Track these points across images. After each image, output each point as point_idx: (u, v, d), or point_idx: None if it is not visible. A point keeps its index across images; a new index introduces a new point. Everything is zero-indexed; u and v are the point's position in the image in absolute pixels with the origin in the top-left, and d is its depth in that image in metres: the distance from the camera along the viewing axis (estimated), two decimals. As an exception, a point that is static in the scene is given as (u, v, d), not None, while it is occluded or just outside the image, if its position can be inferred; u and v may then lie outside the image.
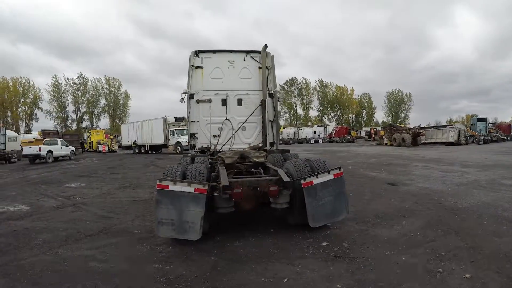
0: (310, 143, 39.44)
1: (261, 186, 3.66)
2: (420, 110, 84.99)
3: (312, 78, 75.06)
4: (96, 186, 8.59)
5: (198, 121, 6.94)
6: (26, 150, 18.56)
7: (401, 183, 6.83)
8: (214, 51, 7.05)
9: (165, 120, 24.85)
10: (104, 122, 57.84)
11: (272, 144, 6.97)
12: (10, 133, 27.99)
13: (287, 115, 67.99)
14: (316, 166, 3.97)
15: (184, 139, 21.29)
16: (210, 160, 5.37)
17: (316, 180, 3.59)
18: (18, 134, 39.13)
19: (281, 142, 41.88)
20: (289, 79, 68.09)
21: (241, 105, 6.97)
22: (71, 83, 55.81)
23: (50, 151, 18.61)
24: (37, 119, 55.80)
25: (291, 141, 39.74)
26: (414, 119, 66.84)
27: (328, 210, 3.68)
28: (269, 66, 6.91)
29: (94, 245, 3.75)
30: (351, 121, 69.58)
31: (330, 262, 2.90)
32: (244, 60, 6.97)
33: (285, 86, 66.99)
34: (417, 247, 3.23)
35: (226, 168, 4.70)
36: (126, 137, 29.85)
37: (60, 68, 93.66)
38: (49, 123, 53.98)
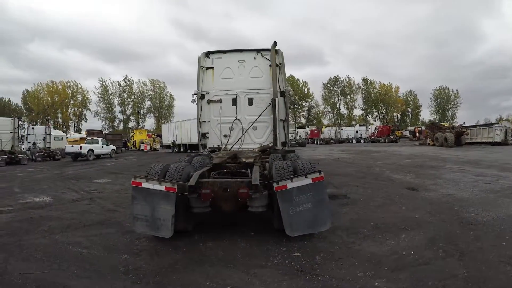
0: (352, 142, 40.40)
1: (231, 187, 3.77)
2: (468, 107, 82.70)
3: (355, 76, 75.96)
4: (119, 182, 9.71)
5: (209, 121, 7.48)
6: (69, 148, 21.64)
7: (423, 188, 6.70)
8: (225, 51, 7.51)
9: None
10: (150, 122, 64.82)
11: (284, 144, 7.15)
12: (57, 132, 33.15)
13: (331, 114, 71.66)
14: (300, 169, 3.93)
15: None
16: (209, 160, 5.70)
17: (290, 184, 3.52)
18: (68, 133, 45.49)
19: (321, 141, 42.16)
20: (331, 77, 70.67)
21: (251, 104, 7.30)
22: (118, 85, 62.85)
23: (91, 150, 21.70)
24: (86, 120, 65.38)
25: (332, 141, 40.86)
26: (462, 117, 65.33)
27: (307, 219, 3.57)
28: (279, 64, 7.12)
29: (87, 234, 4.39)
30: (396, 120, 71.28)
31: (288, 277, 2.86)
32: (255, 59, 7.29)
33: (328, 85, 70.30)
34: (401, 271, 2.94)
35: (215, 168, 5.00)
36: (166, 137, 32.77)
37: (107, 72, 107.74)
38: (97, 123, 62.52)
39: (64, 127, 61.54)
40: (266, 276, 2.90)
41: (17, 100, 65.96)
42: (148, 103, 64.48)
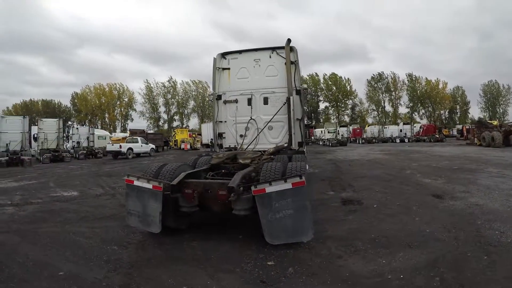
0: (395, 142, 40.64)
1: (213, 189, 4.00)
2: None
3: (400, 72, 75.94)
4: (146, 180, 10.64)
5: (225, 121, 7.97)
6: (109, 147, 24.15)
7: (450, 196, 6.19)
8: (240, 52, 7.92)
9: None
10: (194, 122, 69.91)
11: (300, 144, 7.31)
12: (101, 132, 37.03)
13: (375, 112, 72.25)
14: (288, 172, 4.01)
15: None
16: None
17: (269, 188, 3.53)
18: (115, 132, 50.19)
19: (363, 141, 42.42)
20: (375, 74, 71.48)
21: (267, 104, 7.62)
22: (162, 86, 67.75)
23: (130, 148, 24.15)
24: (132, 119, 72.27)
25: (374, 140, 41.26)
26: (516, 114, 60.33)
27: (288, 226, 3.55)
28: (295, 62, 7.31)
29: (93, 226, 5.10)
30: (443, 117, 71.17)
31: (248, 286, 2.95)
32: (270, 57, 7.58)
33: (372, 82, 70.91)
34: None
35: (213, 168, 5.37)
36: (206, 136, 34.47)
37: (153, 73, 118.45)
38: (143, 123, 68.54)
39: (111, 127, 69.08)
40: (226, 281, 3.03)
41: (66, 102, 75.92)
42: (192, 103, 68.55)
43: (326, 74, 71.89)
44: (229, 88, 7.83)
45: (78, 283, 3.06)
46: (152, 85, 68.51)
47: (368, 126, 51.16)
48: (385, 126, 48.25)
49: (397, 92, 70.19)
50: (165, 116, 69.78)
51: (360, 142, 41.24)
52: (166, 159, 21.24)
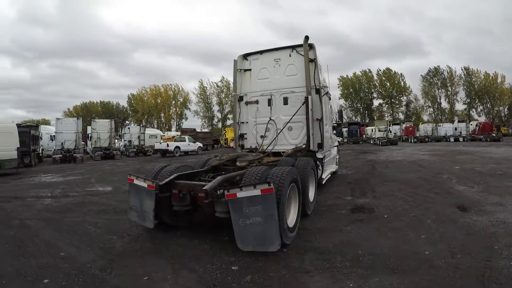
0: (449, 141, 40.72)
1: (195, 190, 4.42)
2: None
3: (457, 65, 77.95)
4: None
5: (247, 122, 8.57)
6: (157, 145, 26.81)
7: (478, 209, 5.74)
8: (261, 52, 8.34)
9: None
10: None
11: (320, 145, 7.52)
12: (154, 131, 40.80)
13: (431, 109, 72.88)
14: (269, 177, 4.25)
15: None
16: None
17: (240, 193, 3.73)
18: (167, 132, 54.47)
19: (415, 140, 42.32)
20: (431, 68, 71.90)
21: (287, 104, 7.92)
22: (215, 86, 71.83)
23: (177, 147, 26.83)
24: (186, 118, 79.51)
25: (427, 139, 41.42)
26: None
27: (257, 234, 3.72)
28: (314, 59, 7.49)
29: (108, 218, 6.07)
30: (502, 114, 70.47)
31: (198, 286, 3.28)
32: (290, 56, 7.86)
33: (428, 77, 71.77)
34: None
35: (214, 170, 5.91)
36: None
37: (208, 74, 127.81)
38: (197, 122, 74.99)
39: (167, 126, 76.74)
40: (184, 279, 3.42)
41: (123, 102, 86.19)
42: None
43: (380, 70, 72.84)
44: (251, 89, 8.37)
45: (69, 263, 3.86)
46: (205, 85, 72.77)
47: (421, 124, 51.60)
48: (439, 124, 48.58)
49: (453, 88, 70.38)
50: (219, 115, 73.48)
51: (412, 141, 41.46)
52: (201, 158, 22.59)
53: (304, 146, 7.48)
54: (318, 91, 7.45)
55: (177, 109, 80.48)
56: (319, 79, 7.48)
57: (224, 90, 73.91)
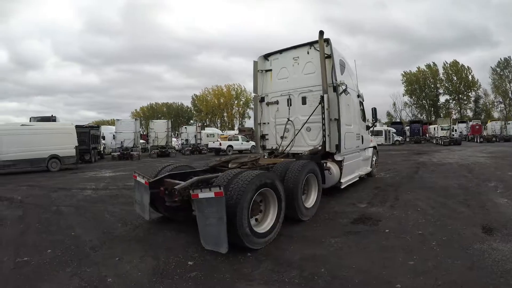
0: None
1: (174, 189, 4.98)
2: None
3: None
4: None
5: (268, 123, 9.19)
6: (211, 144, 28.99)
7: (504, 233, 4.86)
8: (281, 51, 8.74)
9: None
10: None
11: (337, 147, 7.63)
12: (212, 130, 43.61)
13: (502, 105, 70.03)
14: (234, 181, 4.54)
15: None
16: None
17: (200, 194, 4.15)
18: (226, 131, 57.52)
19: (481, 139, 41.11)
20: (501, 59, 68.72)
21: (305, 103, 8.20)
22: None
23: (230, 146, 29.56)
24: (249, 117, 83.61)
25: (494, 139, 41.09)
26: None
27: (213, 234, 4.11)
28: (330, 55, 7.61)
29: (126, 208, 7.33)
30: None
31: (150, 273, 3.79)
32: (308, 53, 8.08)
33: (498, 69, 68.86)
34: None
35: (211, 170, 6.58)
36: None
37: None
38: None
39: (229, 125, 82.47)
40: (144, 265, 4.04)
41: (187, 103, 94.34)
42: None
43: (446, 63, 71.34)
44: (271, 89, 8.87)
45: (73, 240, 5.07)
46: None
47: (489, 121, 49.59)
48: (508, 122, 47.00)
49: (527, 80, 66.16)
50: None
51: (478, 140, 41.02)
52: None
53: (320, 147, 7.65)
54: (335, 89, 7.51)
55: (240, 109, 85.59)
56: (336, 76, 7.56)
57: None
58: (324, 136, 7.56)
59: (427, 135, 46.68)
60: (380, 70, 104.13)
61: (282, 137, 8.55)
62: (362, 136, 9.49)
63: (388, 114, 76.94)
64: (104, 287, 3.49)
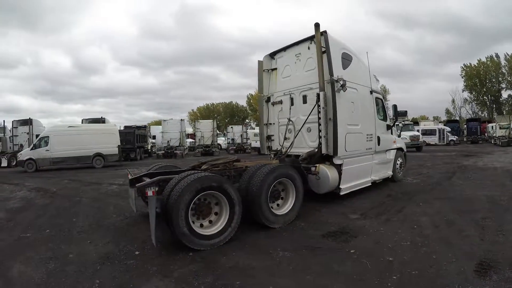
0: None
1: (143, 187, 5.40)
2: None
3: None
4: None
5: (273, 123, 9.30)
6: (253, 144, 30.07)
7: (507, 277, 3.76)
8: (285, 48, 8.83)
9: None
10: None
11: (334, 149, 7.42)
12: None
13: None
14: (180, 182, 4.93)
15: (404, 135, 25.50)
16: None
17: (149, 193, 4.65)
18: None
19: None
20: None
21: (306, 102, 8.14)
22: None
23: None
24: None
25: None
26: None
27: (158, 229, 4.67)
28: (326, 48, 7.41)
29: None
30: None
31: (105, 256, 4.58)
32: (308, 48, 7.99)
33: None
34: None
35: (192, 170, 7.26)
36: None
37: None
38: None
39: None
40: (104, 247, 5.01)
41: (242, 102, 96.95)
42: None
43: (507, 55, 63.54)
44: (276, 89, 9.06)
45: (71, 224, 6.43)
46: None
47: None
48: None
49: None
50: None
51: None
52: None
53: (316, 150, 7.60)
54: (332, 86, 7.30)
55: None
56: (333, 71, 7.33)
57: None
58: (320, 137, 7.45)
59: (485, 134, 43.40)
60: (439, 64, 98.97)
61: (285, 138, 8.64)
62: (378, 137, 9.12)
63: (447, 111, 71.89)
64: (63, 260, 4.59)
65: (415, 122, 44.26)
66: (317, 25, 7.35)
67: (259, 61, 9.22)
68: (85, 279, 3.89)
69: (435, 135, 38.04)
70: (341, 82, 7.28)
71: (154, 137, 34.87)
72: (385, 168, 9.90)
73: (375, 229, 5.73)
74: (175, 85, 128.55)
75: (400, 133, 27.41)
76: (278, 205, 6.27)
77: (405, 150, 11.38)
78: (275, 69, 9.11)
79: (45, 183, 13.07)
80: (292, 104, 8.51)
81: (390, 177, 10.08)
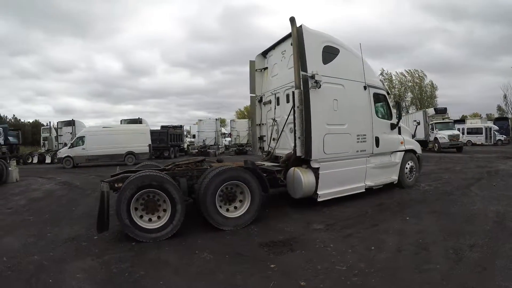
0: None
1: (105, 181, 6.16)
2: None
3: None
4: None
5: (264, 123, 9.62)
6: None
7: None
8: (274, 46, 9.01)
9: (425, 112, 28.94)
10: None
11: (307, 152, 7.31)
12: None
13: None
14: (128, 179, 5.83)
15: (442, 135, 25.50)
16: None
17: (104, 187, 5.68)
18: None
19: None
20: None
21: (289, 101, 8.03)
22: None
23: None
24: None
25: None
26: None
27: None
28: (300, 43, 7.32)
29: None
30: None
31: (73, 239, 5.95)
32: (291, 45, 7.68)
33: None
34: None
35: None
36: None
37: (373, 68, 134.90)
38: None
39: None
40: (67, 233, 6.38)
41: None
42: (409, 95, 69.37)
43: None
44: (267, 88, 9.33)
45: (66, 213, 8.09)
46: None
47: None
48: None
49: None
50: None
51: None
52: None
53: (292, 152, 7.62)
54: (306, 82, 7.20)
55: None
56: (306, 66, 7.22)
57: (386, 83, 72.58)
58: (295, 138, 7.39)
59: None
60: (491, 58, 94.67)
61: (273, 139, 8.79)
62: (376, 137, 8.66)
63: (499, 108, 65.78)
64: (40, 237, 6.08)
65: (462, 120, 42.41)
66: (292, 20, 7.32)
67: (250, 61, 9.59)
68: (45, 251, 5.28)
69: (482, 134, 35.93)
70: (316, 79, 7.17)
71: (194, 136, 37.44)
72: (387, 172, 9.30)
73: (324, 244, 5.42)
74: (223, 85, 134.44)
75: (437, 132, 26.77)
76: (236, 207, 6.57)
77: (419, 152, 10.58)
78: (267, 68, 9.42)
79: (73, 178, 15.39)
80: (278, 103, 8.71)
81: (395, 182, 9.49)
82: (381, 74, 72.77)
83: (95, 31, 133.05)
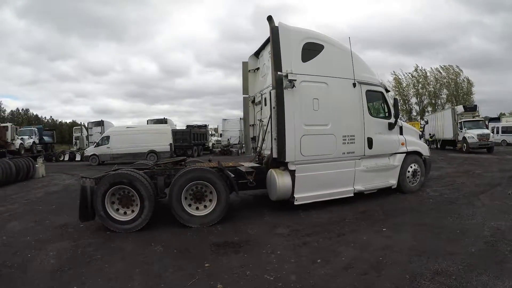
0: None
1: (94, 178, 6.97)
2: None
3: None
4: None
5: (255, 124, 10.01)
6: None
7: None
8: (264, 46, 9.20)
9: (453, 110, 28.38)
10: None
11: (280, 153, 7.40)
12: None
13: None
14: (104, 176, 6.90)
15: (471, 134, 24.83)
16: None
17: (86, 182, 6.73)
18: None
19: None
20: None
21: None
22: (410, 76, 71.17)
23: None
24: None
25: None
26: None
27: None
28: (276, 42, 7.41)
29: None
30: None
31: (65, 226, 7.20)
32: None
33: None
34: None
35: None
36: (427, 130, 35.28)
37: (407, 64, 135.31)
38: None
39: None
40: (60, 221, 7.57)
41: None
42: (445, 91, 68.15)
43: None
44: (258, 89, 9.63)
45: (73, 204, 9.36)
46: (400, 77, 72.63)
47: None
48: None
49: None
50: (417, 107, 72.49)
51: None
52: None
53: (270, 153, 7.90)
54: (281, 82, 7.28)
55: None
56: (281, 65, 7.32)
57: (421, 80, 70.49)
58: (272, 140, 7.56)
59: None
60: None
61: (262, 139, 8.88)
62: (369, 138, 8.43)
63: None
64: (40, 222, 7.65)
65: (498, 118, 40.24)
66: (269, 18, 7.46)
67: (243, 62, 9.99)
68: (37, 234, 6.69)
69: None
70: (289, 78, 7.26)
71: (220, 135, 39.33)
72: (382, 176, 8.97)
73: (271, 250, 5.46)
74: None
75: (465, 131, 25.67)
76: (205, 206, 7.07)
77: (425, 154, 10.12)
78: (258, 68, 9.83)
79: (94, 174, 16.15)
80: (265, 104, 8.70)
81: (393, 187, 9.16)
82: (415, 70, 70.90)
83: (129, 35, 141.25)
